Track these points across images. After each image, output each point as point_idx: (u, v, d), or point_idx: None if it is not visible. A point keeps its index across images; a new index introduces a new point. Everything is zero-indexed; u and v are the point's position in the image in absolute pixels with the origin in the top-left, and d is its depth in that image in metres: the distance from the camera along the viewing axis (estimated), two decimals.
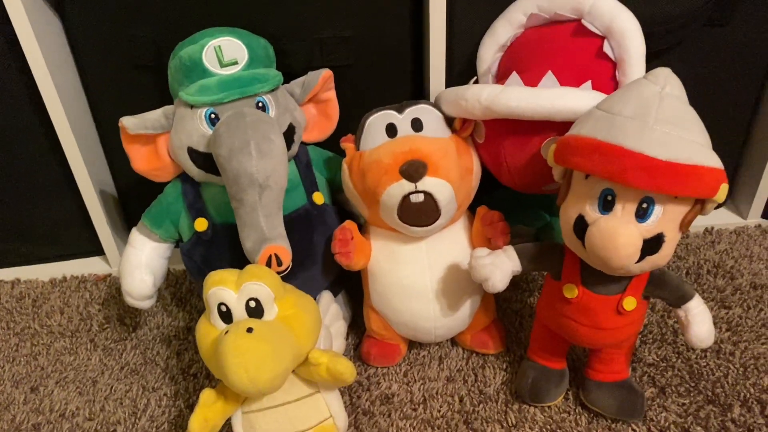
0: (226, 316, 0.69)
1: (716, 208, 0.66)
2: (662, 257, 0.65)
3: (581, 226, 0.65)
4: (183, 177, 0.84)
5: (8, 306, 1.03)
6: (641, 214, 0.63)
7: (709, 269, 0.99)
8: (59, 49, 0.91)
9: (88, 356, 0.93)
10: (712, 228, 1.08)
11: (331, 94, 0.86)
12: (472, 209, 0.84)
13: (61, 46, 0.92)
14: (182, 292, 1.03)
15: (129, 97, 0.92)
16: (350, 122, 0.83)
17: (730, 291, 0.95)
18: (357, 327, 0.93)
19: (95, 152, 1.01)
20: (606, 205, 0.64)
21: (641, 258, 0.63)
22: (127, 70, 0.92)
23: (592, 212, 0.65)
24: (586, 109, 0.67)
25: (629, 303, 0.70)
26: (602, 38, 0.75)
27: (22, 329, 0.99)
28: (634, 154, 0.59)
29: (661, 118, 0.60)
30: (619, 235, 0.61)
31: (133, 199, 1.06)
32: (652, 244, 0.63)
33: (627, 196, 0.62)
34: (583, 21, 0.76)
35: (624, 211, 0.63)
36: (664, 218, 0.63)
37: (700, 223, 1.05)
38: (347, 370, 0.71)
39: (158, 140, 0.81)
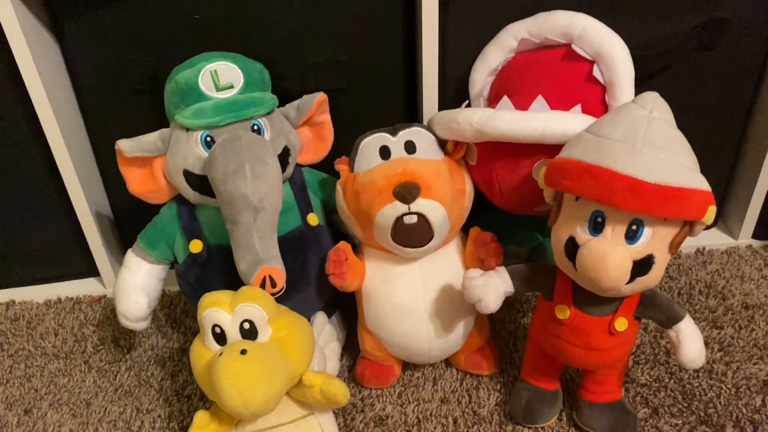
0: (220, 337, 0.70)
1: (705, 229, 0.66)
2: (652, 278, 0.66)
3: (572, 247, 0.66)
4: (178, 199, 0.85)
5: (2, 327, 1.03)
6: (631, 236, 0.63)
7: (701, 290, 0.99)
8: (57, 73, 0.93)
9: (83, 378, 0.93)
10: (704, 248, 1.09)
11: (326, 117, 0.87)
12: (465, 230, 0.85)
13: (59, 69, 0.93)
14: (177, 313, 1.03)
15: (126, 121, 0.93)
16: (344, 144, 0.84)
17: (722, 311, 0.95)
18: (351, 348, 0.93)
19: (91, 174, 1.01)
20: (596, 226, 0.65)
21: (631, 279, 0.64)
22: (124, 93, 0.93)
23: (582, 234, 0.66)
24: (576, 132, 0.68)
25: (621, 324, 0.71)
26: (592, 62, 0.77)
27: (17, 351, 0.98)
28: (623, 176, 0.61)
29: (649, 142, 0.62)
30: (609, 257, 0.62)
31: (128, 221, 1.06)
32: (642, 266, 0.64)
33: (616, 218, 0.63)
34: (573, 46, 0.78)
35: (614, 233, 0.64)
36: (654, 240, 0.64)
37: (691, 243, 1.07)
38: (341, 391, 0.71)
39: (154, 163, 0.82)
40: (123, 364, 0.95)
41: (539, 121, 0.71)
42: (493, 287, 0.73)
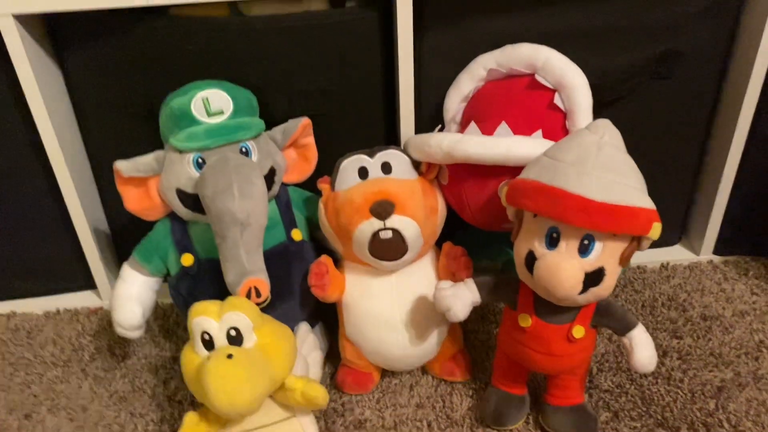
0: (209, 344, 0.74)
1: (652, 246, 0.72)
2: (604, 288, 0.71)
3: (531, 260, 0.72)
4: (171, 216, 0.89)
5: (4, 337, 1.07)
6: (583, 250, 0.69)
7: (663, 302, 1.05)
8: (59, 98, 0.97)
9: (79, 384, 0.97)
10: (668, 264, 1.14)
11: (310, 140, 0.92)
12: (439, 245, 0.90)
13: (61, 94, 0.98)
14: (169, 324, 1.07)
15: (123, 143, 0.97)
16: (327, 165, 0.89)
17: (682, 322, 1.01)
18: (333, 357, 0.97)
19: (90, 193, 1.06)
20: (552, 241, 0.71)
21: (585, 290, 0.70)
22: (123, 117, 0.98)
23: (540, 248, 0.71)
24: (536, 155, 0.74)
25: (578, 331, 0.76)
26: (554, 91, 0.82)
27: (17, 359, 1.03)
28: (574, 196, 0.66)
29: (599, 165, 0.68)
30: (562, 270, 0.68)
31: (124, 237, 1.10)
32: (594, 277, 0.70)
33: (570, 234, 0.69)
34: (536, 76, 0.83)
35: (567, 247, 0.69)
36: (604, 253, 0.69)
37: (656, 259, 1.13)
38: (320, 394, 0.76)
39: (149, 182, 0.87)
40: (118, 372, 0.99)
41: (503, 146, 0.77)
42: (461, 297, 0.78)
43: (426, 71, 0.95)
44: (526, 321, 0.77)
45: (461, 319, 0.78)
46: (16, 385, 0.98)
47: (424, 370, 0.95)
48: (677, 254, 1.17)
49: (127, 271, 0.91)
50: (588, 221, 0.67)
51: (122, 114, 0.98)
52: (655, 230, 0.69)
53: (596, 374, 0.92)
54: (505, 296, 0.80)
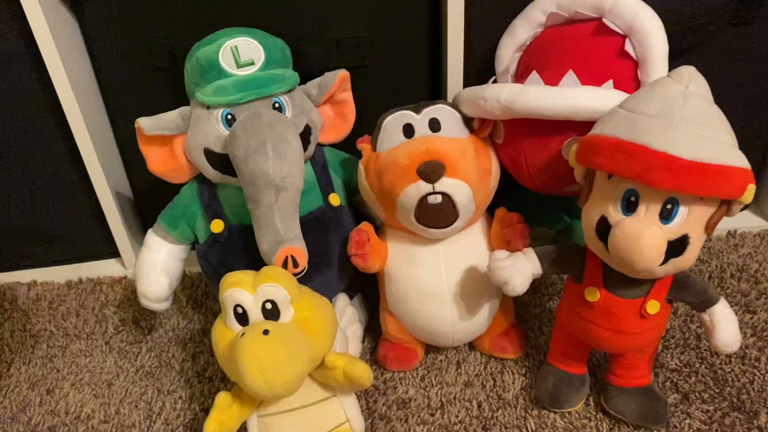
0: (242, 318, 0.69)
1: (742, 209, 0.64)
2: (687, 260, 0.64)
3: (604, 227, 0.64)
4: (199, 178, 0.84)
5: (24, 308, 1.03)
6: (665, 215, 0.61)
7: (732, 273, 0.97)
8: (76, 51, 0.92)
9: (104, 359, 0.93)
10: (735, 231, 1.06)
11: (348, 95, 0.85)
12: (490, 211, 0.83)
13: (78, 48, 0.92)
14: (198, 294, 1.02)
15: (145, 99, 0.92)
16: (366, 123, 0.83)
17: (755, 295, 0.93)
18: (373, 330, 0.92)
19: (111, 154, 1.01)
20: (629, 206, 0.63)
21: (665, 260, 0.62)
22: (144, 71, 0.92)
23: (615, 213, 0.63)
24: (608, 108, 0.66)
25: (652, 306, 0.69)
26: (624, 37, 0.74)
27: (38, 331, 0.99)
28: (658, 153, 0.58)
29: (685, 117, 0.59)
30: (643, 237, 0.60)
31: (149, 201, 1.06)
32: (677, 246, 0.62)
33: (651, 197, 0.61)
34: (603, 20, 0.75)
35: (648, 212, 0.62)
36: (689, 219, 0.61)
37: (722, 226, 1.03)
38: (364, 373, 0.70)
39: (174, 141, 0.81)
40: (144, 345, 0.95)
41: (570, 97, 0.69)
42: (521, 269, 0.71)
43: (476, 17, 0.87)
44: (594, 295, 0.70)
45: (520, 293, 0.71)
46: (38, 359, 0.94)
47: (471, 345, 0.89)
48: (746, 221, 1.08)
49: (152, 238, 0.86)
50: (674, 182, 0.59)
51: (144, 67, 0.92)
52: (749, 193, 0.61)
53: (662, 352, 0.85)
54: (570, 268, 0.73)
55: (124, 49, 0.91)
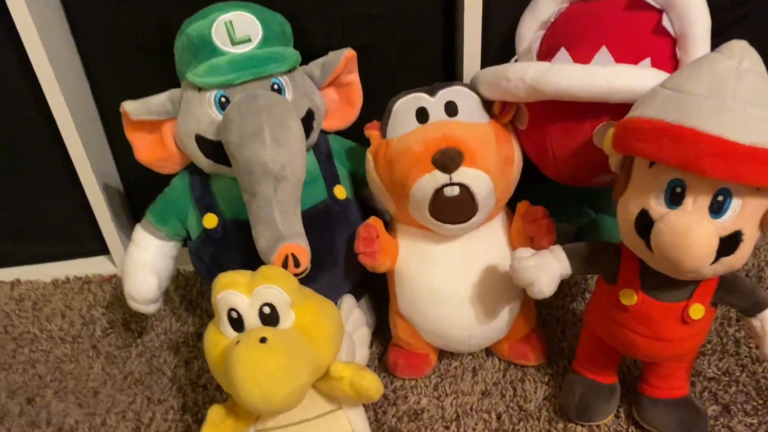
0: (237, 323, 0.63)
1: None
2: (739, 258, 0.57)
3: (645, 222, 0.57)
4: (191, 168, 0.78)
5: (7, 309, 0.97)
6: (716, 209, 0.55)
7: None
8: (59, 31, 0.86)
9: (90, 364, 0.87)
10: None
11: (354, 77, 0.79)
12: (510, 205, 0.77)
13: (61, 27, 0.86)
14: (192, 294, 0.96)
15: (135, 83, 0.85)
16: (375, 108, 0.77)
17: None
18: (382, 334, 0.86)
19: (99, 143, 0.95)
20: (674, 197, 0.56)
21: (716, 259, 0.55)
22: (133, 52, 0.87)
23: (657, 206, 0.57)
24: (647, 88, 0.60)
25: (696, 311, 0.62)
26: (661, 11, 0.68)
27: (21, 334, 0.92)
28: (711, 137, 0.52)
29: (740, 97, 0.53)
30: (692, 233, 0.53)
31: (140, 194, 1.00)
32: (729, 244, 0.55)
33: (700, 188, 0.55)
34: None
35: (696, 204, 0.55)
36: (743, 213, 0.55)
37: None
38: (373, 385, 0.65)
39: (163, 127, 0.75)
40: (134, 350, 0.89)
41: (604, 76, 0.62)
42: (548, 269, 0.65)
43: None
44: (630, 298, 0.63)
45: (547, 296, 0.65)
46: (19, 364, 0.88)
47: (488, 351, 0.83)
48: None
49: (140, 234, 0.80)
50: (729, 171, 0.52)
51: (132, 48, 0.86)
52: None
53: (698, 359, 0.78)
54: (603, 267, 0.66)
55: (110, 27, 0.85)
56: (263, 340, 0.59)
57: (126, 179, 1.00)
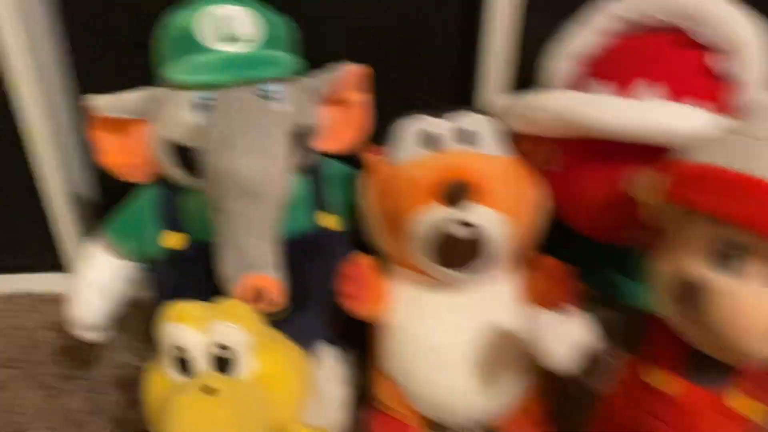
0: (183, 365, 0.53)
1: None
2: None
3: (689, 289, 0.48)
4: (160, 179, 0.69)
5: None
6: None
7: None
8: (39, 23, 0.80)
9: (23, 395, 0.77)
10: None
11: (362, 97, 0.72)
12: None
13: (42, 18, 0.80)
14: (152, 325, 0.85)
15: (115, 83, 0.78)
16: (378, 131, 0.71)
17: None
18: (362, 394, 0.75)
19: (68, 144, 0.87)
20: (732, 261, 0.46)
21: None
22: (118, 48, 0.83)
23: (706, 270, 0.47)
24: (696, 132, 0.53)
25: (743, 405, 0.51)
26: (710, 49, 0.62)
27: None
28: None
29: None
30: (754, 308, 0.45)
31: (113, 205, 0.91)
32: None
33: (764, 251, 0.45)
34: (685, 28, 0.63)
35: (758, 271, 0.45)
36: None
37: None
38: None
39: (133, 129, 0.66)
40: (78, 383, 0.78)
41: (659, 113, 0.56)
42: (569, 337, 0.56)
43: (524, 21, 0.76)
44: (670, 384, 0.52)
45: (564, 368, 0.55)
46: None
47: (487, 428, 0.72)
48: None
49: (94, 251, 0.72)
50: None
51: (114, 45, 0.82)
52: None
53: None
54: (637, 342, 0.56)
55: (95, 20, 0.81)
56: (210, 390, 0.49)
57: (96, 185, 0.93)
